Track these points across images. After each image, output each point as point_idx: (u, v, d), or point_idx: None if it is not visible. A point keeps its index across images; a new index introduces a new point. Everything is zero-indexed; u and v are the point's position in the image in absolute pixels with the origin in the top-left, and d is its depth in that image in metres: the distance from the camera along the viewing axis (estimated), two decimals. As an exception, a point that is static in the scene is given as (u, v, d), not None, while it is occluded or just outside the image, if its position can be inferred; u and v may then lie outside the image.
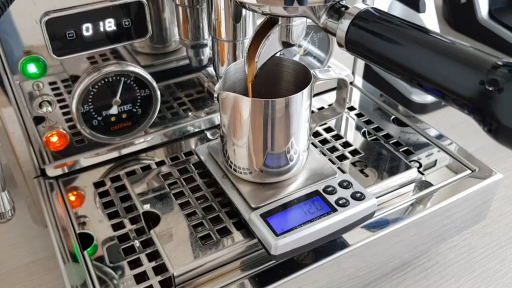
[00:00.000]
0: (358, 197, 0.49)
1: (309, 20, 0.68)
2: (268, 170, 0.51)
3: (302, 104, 0.48)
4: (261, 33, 0.45)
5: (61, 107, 0.59)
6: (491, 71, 0.30)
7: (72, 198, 0.59)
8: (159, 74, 0.65)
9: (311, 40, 0.72)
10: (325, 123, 0.67)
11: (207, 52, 0.67)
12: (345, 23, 0.38)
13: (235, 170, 0.53)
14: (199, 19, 0.63)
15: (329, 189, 0.50)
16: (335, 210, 0.48)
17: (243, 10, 0.53)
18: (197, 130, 0.69)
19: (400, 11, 1.01)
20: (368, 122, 0.70)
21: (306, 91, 0.47)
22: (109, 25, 0.55)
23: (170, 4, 0.62)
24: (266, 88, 0.53)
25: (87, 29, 0.54)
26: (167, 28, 0.70)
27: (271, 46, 0.46)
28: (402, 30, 0.35)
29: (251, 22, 0.55)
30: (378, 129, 0.69)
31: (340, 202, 0.49)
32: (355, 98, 0.77)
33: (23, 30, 0.52)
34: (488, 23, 1.16)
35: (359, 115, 0.72)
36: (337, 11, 0.39)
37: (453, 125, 0.89)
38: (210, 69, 0.69)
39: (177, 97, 0.73)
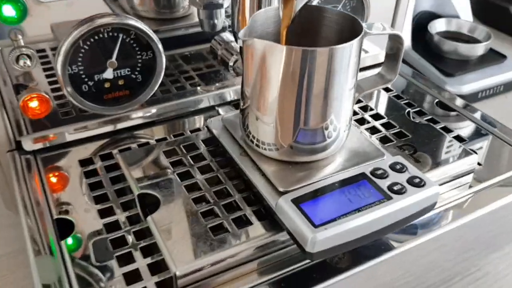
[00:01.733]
0: (417, 183, 0.38)
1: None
2: (300, 146, 0.40)
3: (349, 60, 0.37)
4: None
5: (45, 69, 0.49)
6: None
7: (53, 178, 0.48)
8: (164, 42, 0.54)
9: (343, 8, 0.62)
10: (361, 101, 0.56)
11: (222, 15, 0.57)
12: None
13: (257, 145, 0.42)
14: (216, -29, 0.53)
15: (379, 172, 0.39)
16: (389, 197, 0.37)
17: None
18: (206, 106, 0.58)
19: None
20: (409, 105, 0.59)
21: (355, 42, 0.37)
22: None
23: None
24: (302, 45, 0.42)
25: (78, -36, 0.43)
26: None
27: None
28: None
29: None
30: (420, 112, 0.58)
31: (395, 188, 0.38)
32: (390, 80, 0.66)
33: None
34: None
35: (397, 97, 0.61)
36: None
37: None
38: (225, 35, 0.59)
39: (183, 70, 0.62)
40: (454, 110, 0.59)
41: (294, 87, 0.37)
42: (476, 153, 0.52)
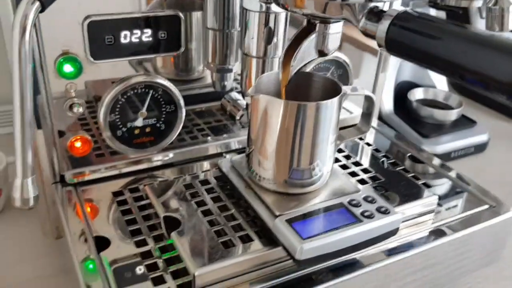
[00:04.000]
0: (384, 211, 0.49)
1: (333, 55, 0.71)
2: (292, 181, 0.51)
3: (331, 112, 0.49)
4: (298, 39, 0.47)
5: (82, 119, 0.60)
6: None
7: (90, 205, 0.59)
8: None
9: (331, 76, 0.75)
10: (344, 151, 0.67)
11: (231, 77, 0.70)
12: (385, 24, 0.40)
13: (259, 180, 0.53)
14: (228, 44, 0.66)
15: (354, 202, 0.50)
16: (360, 220, 0.48)
17: (275, 28, 0.56)
18: (215, 153, 0.70)
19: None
20: (385, 157, 0.71)
21: (336, 100, 0.49)
22: (146, 35, 0.57)
23: (198, 28, 0.64)
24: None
25: (125, 37, 0.56)
26: (192, 57, 0.73)
27: (307, 52, 0.47)
28: (443, 26, 0.37)
29: (282, 42, 0.58)
30: (395, 163, 0.69)
31: (366, 214, 0.49)
32: (371, 136, 0.78)
33: (64, 30, 0.54)
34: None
35: (376, 150, 0.73)
36: (376, 14, 0.41)
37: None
38: (233, 94, 0.71)
39: (196, 123, 0.74)
40: (423, 163, 0.71)
41: (290, 134, 0.49)
42: (439, 197, 0.63)
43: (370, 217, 0.48)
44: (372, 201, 0.50)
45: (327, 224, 0.47)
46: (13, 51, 0.41)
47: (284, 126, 0.48)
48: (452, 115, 1.01)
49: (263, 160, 0.51)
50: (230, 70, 0.68)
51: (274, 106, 0.48)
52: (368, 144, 0.75)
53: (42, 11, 0.41)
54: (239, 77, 0.66)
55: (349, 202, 0.50)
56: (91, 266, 0.49)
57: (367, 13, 0.42)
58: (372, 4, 0.42)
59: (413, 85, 1.10)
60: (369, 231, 0.47)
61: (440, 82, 1.12)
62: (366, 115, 0.55)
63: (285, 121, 0.48)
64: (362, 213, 0.49)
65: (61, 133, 0.60)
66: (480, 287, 0.67)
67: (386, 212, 0.49)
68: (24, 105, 0.42)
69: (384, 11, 0.41)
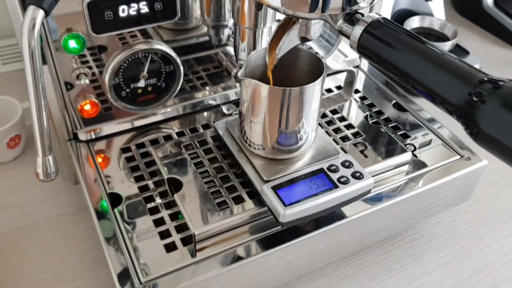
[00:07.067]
0: (358, 176, 0.56)
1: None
2: (279, 148, 0.58)
3: (314, 93, 0.54)
4: (283, 28, 0.51)
5: (92, 81, 0.66)
6: (478, 85, 0.37)
7: (102, 160, 0.66)
8: (180, 49, 0.71)
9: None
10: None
11: (226, 32, 0.73)
12: (358, 30, 0.44)
13: (250, 145, 0.59)
14: (222, 3, 0.68)
15: (333, 167, 0.57)
16: (336, 186, 0.55)
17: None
18: (213, 104, 0.75)
19: (408, -2, 1.06)
20: (371, 105, 0.76)
21: (318, 82, 0.53)
22: (143, 7, 0.60)
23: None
24: (283, 74, 0.59)
25: (123, 11, 0.59)
26: (190, 7, 0.75)
27: (290, 40, 0.51)
28: (406, 41, 0.42)
29: (271, 13, 0.61)
30: (379, 112, 0.75)
31: (342, 180, 0.56)
32: (360, 81, 0.83)
33: (67, 9, 0.57)
34: (493, 11, 1.20)
35: (362, 98, 0.78)
36: (351, 18, 0.45)
37: (449, 110, 0.95)
38: (229, 48, 0.74)
39: (195, 71, 0.79)
40: (406, 111, 0.76)
41: (277, 110, 0.54)
42: (415, 147, 0.69)
43: (345, 182, 0.55)
44: (348, 166, 0.57)
45: (307, 190, 0.55)
46: (23, 50, 0.46)
47: (271, 106, 0.54)
48: (446, 46, 1.04)
49: (252, 131, 0.57)
50: (225, 26, 0.72)
51: (261, 90, 0.53)
52: (356, 91, 0.80)
53: (46, 16, 0.45)
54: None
55: (328, 168, 0.57)
56: (107, 222, 0.58)
57: (345, 15, 0.45)
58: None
59: (411, 14, 1.11)
60: (343, 195, 0.55)
61: (438, 9, 1.12)
62: (348, 85, 0.60)
63: (271, 102, 0.53)
64: (338, 179, 0.56)
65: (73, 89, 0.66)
66: (451, 220, 0.76)
67: (360, 178, 0.56)
68: (39, 103, 0.47)
69: (361, 15, 0.44)
